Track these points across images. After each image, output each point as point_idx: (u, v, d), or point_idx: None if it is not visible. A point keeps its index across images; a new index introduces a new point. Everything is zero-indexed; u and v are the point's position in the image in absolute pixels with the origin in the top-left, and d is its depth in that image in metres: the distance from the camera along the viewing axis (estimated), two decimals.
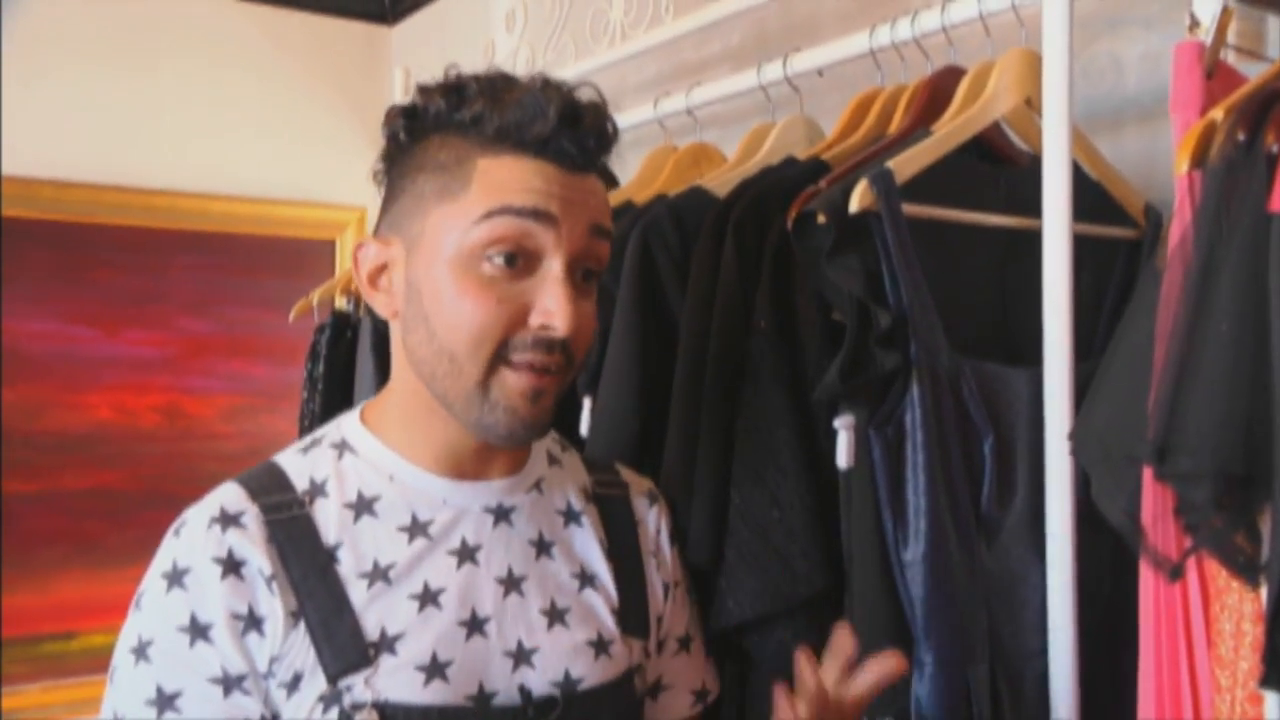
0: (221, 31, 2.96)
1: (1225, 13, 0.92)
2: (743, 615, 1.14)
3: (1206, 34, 0.92)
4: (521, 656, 1.01)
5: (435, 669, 0.97)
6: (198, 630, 0.94)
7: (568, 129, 0.95)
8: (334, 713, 0.94)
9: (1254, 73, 1.07)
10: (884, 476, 1.14)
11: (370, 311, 1.77)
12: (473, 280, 0.95)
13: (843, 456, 1.16)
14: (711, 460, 1.20)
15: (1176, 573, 0.88)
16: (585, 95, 0.98)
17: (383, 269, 1.01)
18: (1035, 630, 1.19)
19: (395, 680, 0.96)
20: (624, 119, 1.83)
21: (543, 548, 1.06)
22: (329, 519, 0.99)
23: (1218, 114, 0.88)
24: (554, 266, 0.95)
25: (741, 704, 1.21)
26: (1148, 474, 0.86)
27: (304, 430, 2.04)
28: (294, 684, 0.95)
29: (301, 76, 3.06)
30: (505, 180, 0.95)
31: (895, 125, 1.38)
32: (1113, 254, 1.35)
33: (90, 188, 2.76)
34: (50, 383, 2.71)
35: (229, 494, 1.00)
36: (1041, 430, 1.19)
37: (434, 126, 0.99)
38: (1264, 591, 0.81)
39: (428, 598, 0.99)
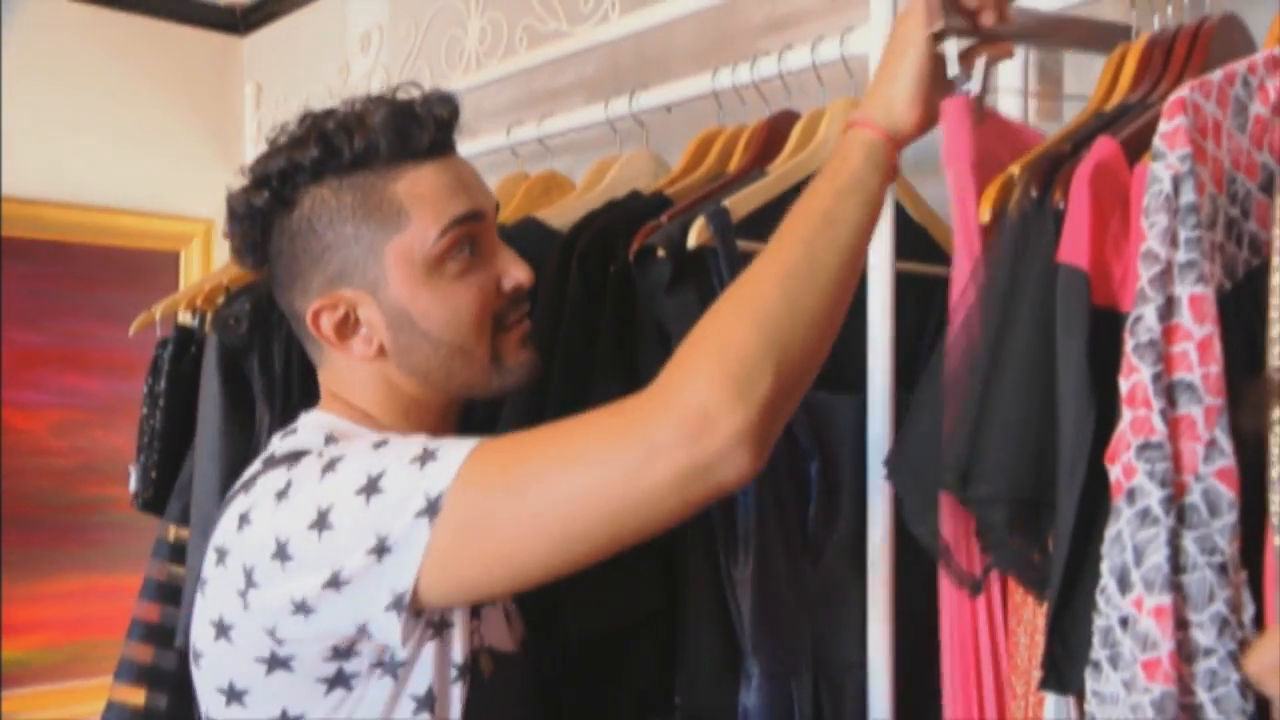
0: (62, 34, 2.87)
1: (989, 67, 0.99)
2: (581, 633, 1.18)
3: (974, 85, 0.99)
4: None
5: (506, 615, 1.10)
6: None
7: (436, 126, 1.07)
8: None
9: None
10: None
11: (218, 328, 1.71)
12: (451, 279, 1.06)
13: None
14: None
15: (977, 588, 0.96)
16: (429, 90, 1.10)
17: (345, 320, 1.06)
18: (855, 643, 1.26)
19: (492, 627, 1.06)
20: (478, 145, 1.87)
21: None
22: None
23: (1015, 170, 0.96)
24: (494, 239, 1.10)
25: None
26: (946, 498, 0.94)
27: (143, 447, 1.96)
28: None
29: (149, 85, 2.98)
30: (430, 193, 1.06)
31: (735, 164, 1.45)
32: (933, 290, 1.44)
33: None
34: None
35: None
36: (864, 455, 1.27)
37: (312, 178, 1.04)
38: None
39: None
